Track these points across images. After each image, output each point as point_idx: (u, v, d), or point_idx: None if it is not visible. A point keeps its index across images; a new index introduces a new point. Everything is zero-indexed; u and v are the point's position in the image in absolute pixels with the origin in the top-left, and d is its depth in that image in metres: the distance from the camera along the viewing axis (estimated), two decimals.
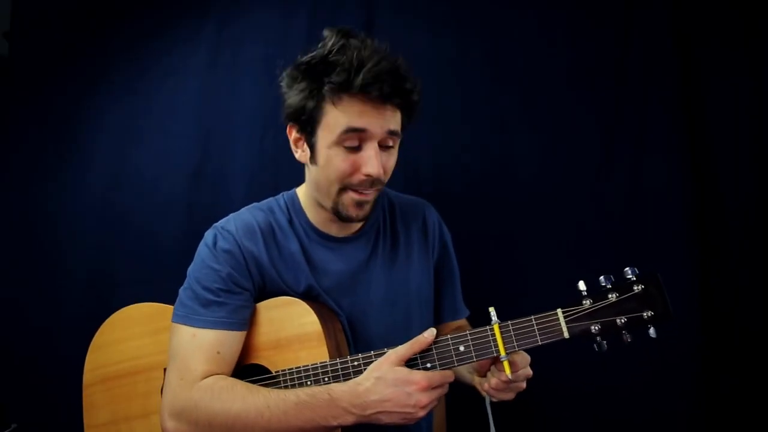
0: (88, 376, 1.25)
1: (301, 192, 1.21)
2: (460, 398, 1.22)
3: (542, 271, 1.58)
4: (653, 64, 1.58)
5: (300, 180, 1.22)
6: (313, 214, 1.18)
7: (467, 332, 0.98)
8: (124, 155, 1.77)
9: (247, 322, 1.09)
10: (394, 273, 1.21)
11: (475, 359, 0.97)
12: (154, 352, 1.20)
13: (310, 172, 1.13)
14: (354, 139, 1.01)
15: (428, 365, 0.98)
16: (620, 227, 1.57)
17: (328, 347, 1.06)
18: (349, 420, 0.95)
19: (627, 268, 0.92)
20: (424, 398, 0.93)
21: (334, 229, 1.18)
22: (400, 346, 0.98)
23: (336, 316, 1.15)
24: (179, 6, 1.80)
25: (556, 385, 1.48)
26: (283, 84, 1.06)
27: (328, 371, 1.04)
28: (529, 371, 1.00)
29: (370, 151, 1.02)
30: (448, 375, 0.97)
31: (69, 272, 1.74)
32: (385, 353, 0.99)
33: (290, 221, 1.18)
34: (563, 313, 0.93)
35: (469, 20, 1.69)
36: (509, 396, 1.02)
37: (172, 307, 1.13)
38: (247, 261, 1.11)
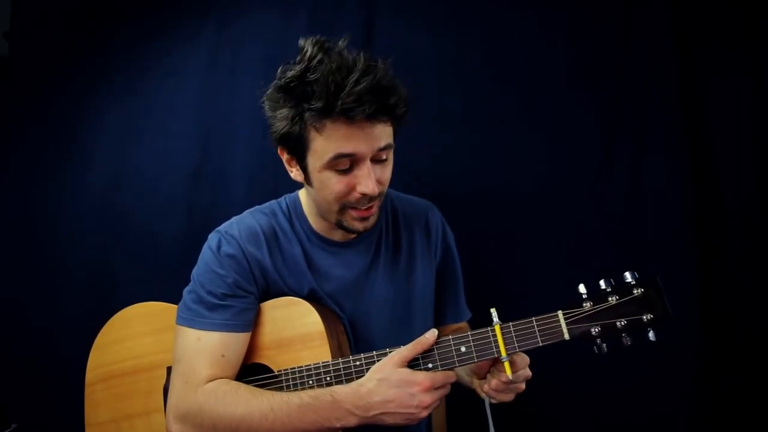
0: (90, 374, 1.26)
1: (303, 196, 1.21)
2: (460, 400, 1.22)
3: (542, 271, 1.58)
4: (653, 64, 1.58)
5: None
6: (314, 220, 1.18)
7: (468, 333, 0.99)
8: (124, 155, 1.77)
9: (251, 324, 1.09)
10: (396, 276, 1.21)
11: (476, 360, 0.98)
12: (157, 351, 1.20)
13: (308, 190, 1.12)
14: (345, 163, 0.99)
15: (430, 366, 0.99)
16: (620, 227, 1.57)
17: (330, 347, 1.07)
18: (352, 421, 0.95)
19: (627, 272, 0.92)
20: (428, 398, 0.94)
21: (335, 234, 1.18)
22: (402, 347, 0.99)
23: (338, 319, 1.15)
24: (179, 6, 1.80)
25: (556, 386, 1.48)
26: (266, 107, 1.03)
27: (330, 371, 1.04)
28: (528, 372, 1.00)
29: (363, 170, 1.00)
30: (450, 375, 0.98)
31: (69, 272, 1.74)
32: (387, 353, 0.99)
33: (292, 225, 1.18)
34: (564, 314, 0.93)
35: (469, 20, 1.69)
36: (509, 397, 1.03)
37: (174, 306, 1.14)
38: (251, 265, 1.11)
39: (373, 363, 1.00)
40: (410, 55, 1.69)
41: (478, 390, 1.09)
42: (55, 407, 1.63)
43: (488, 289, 1.52)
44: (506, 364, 0.96)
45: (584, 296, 0.93)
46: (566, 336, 0.92)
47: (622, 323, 0.91)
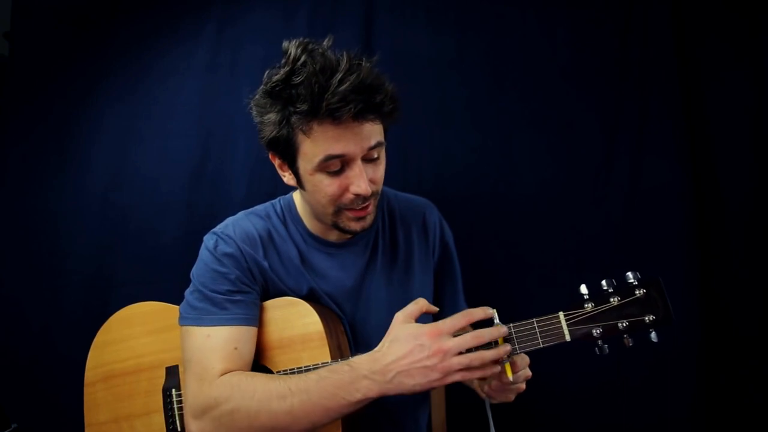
0: (89, 374, 1.25)
1: (298, 198, 1.20)
2: (460, 400, 1.22)
3: (543, 271, 1.58)
4: (653, 64, 1.58)
5: None
6: (309, 221, 1.17)
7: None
8: (124, 155, 1.77)
9: (257, 320, 1.08)
10: (393, 276, 1.21)
11: None
12: (157, 350, 1.20)
13: (302, 193, 1.12)
14: (335, 164, 0.98)
15: None
16: (620, 227, 1.58)
17: (329, 347, 1.06)
18: (373, 389, 0.91)
19: (629, 272, 0.91)
20: (438, 345, 0.88)
21: (331, 235, 1.18)
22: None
23: (338, 319, 1.15)
24: (179, 6, 1.80)
25: (556, 386, 1.48)
26: (254, 113, 1.03)
27: (328, 365, 1.03)
28: (528, 372, 1.00)
29: (355, 170, 0.99)
30: (459, 318, 0.92)
31: (69, 272, 1.74)
32: None
33: (287, 227, 1.18)
34: (565, 316, 0.92)
35: (469, 20, 1.69)
36: (509, 398, 1.03)
37: (175, 306, 1.14)
38: (249, 264, 1.10)
39: None
40: (410, 55, 1.69)
41: (479, 391, 1.09)
42: (55, 407, 1.63)
43: (489, 289, 1.52)
44: (507, 366, 0.95)
45: (586, 297, 0.93)
46: (567, 337, 0.92)
47: (624, 324, 0.90)
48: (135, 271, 1.72)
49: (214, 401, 0.97)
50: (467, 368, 0.89)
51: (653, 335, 0.90)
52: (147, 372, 1.20)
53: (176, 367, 1.18)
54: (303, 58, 0.93)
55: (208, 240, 1.13)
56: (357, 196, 1.01)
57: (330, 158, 0.97)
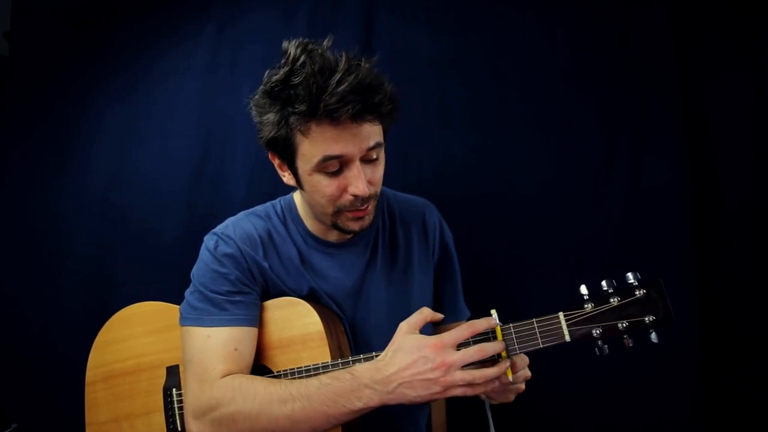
0: (90, 373, 1.25)
1: (298, 198, 1.21)
2: (460, 401, 1.22)
3: (543, 271, 1.58)
4: (653, 64, 1.58)
5: None
6: (309, 222, 1.18)
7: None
8: (124, 155, 1.77)
9: (258, 320, 1.09)
10: (393, 276, 1.21)
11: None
12: (157, 350, 1.20)
13: (301, 193, 1.12)
14: (334, 165, 0.98)
15: None
16: (620, 227, 1.58)
17: (330, 348, 1.06)
18: (374, 399, 0.91)
19: (629, 273, 0.91)
20: (442, 359, 0.88)
21: (331, 236, 1.18)
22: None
23: (339, 319, 1.15)
24: (179, 6, 1.80)
25: (556, 386, 1.48)
26: (253, 113, 1.03)
27: (329, 371, 1.03)
28: (527, 372, 1.00)
29: (353, 171, 0.99)
30: (463, 330, 0.92)
31: (69, 272, 1.74)
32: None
33: (287, 228, 1.18)
34: (565, 316, 0.92)
35: (469, 20, 1.69)
36: (509, 398, 1.02)
37: (175, 306, 1.14)
38: (249, 265, 1.11)
39: None
40: (410, 55, 1.69)
41: None
42: (55, 407, 1.63)
43: (488, 289, 1.52)
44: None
45: (586, 297, 0.93)
46: (567, 338, 0.92)
47: (624, 325, 0.90)
48: (135, 271, 1.72)
49: (216, 403, 0.97)
50: (469, 385, 0.89)
51: (653, 336, 0.90)
52: (147, 372, 1.20)
53: (177, 366, 1.18)
54: (302, 59, 0.93)
55: (209, 240, 1.13)
56: (355, 197, 1.01)
57: (328, 159, 0.97)
